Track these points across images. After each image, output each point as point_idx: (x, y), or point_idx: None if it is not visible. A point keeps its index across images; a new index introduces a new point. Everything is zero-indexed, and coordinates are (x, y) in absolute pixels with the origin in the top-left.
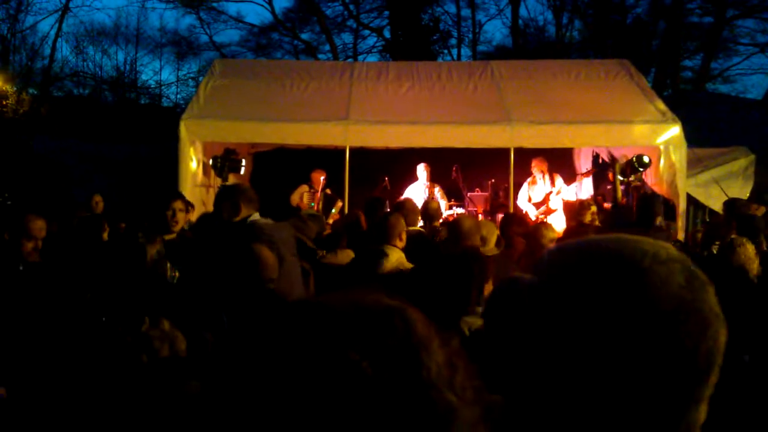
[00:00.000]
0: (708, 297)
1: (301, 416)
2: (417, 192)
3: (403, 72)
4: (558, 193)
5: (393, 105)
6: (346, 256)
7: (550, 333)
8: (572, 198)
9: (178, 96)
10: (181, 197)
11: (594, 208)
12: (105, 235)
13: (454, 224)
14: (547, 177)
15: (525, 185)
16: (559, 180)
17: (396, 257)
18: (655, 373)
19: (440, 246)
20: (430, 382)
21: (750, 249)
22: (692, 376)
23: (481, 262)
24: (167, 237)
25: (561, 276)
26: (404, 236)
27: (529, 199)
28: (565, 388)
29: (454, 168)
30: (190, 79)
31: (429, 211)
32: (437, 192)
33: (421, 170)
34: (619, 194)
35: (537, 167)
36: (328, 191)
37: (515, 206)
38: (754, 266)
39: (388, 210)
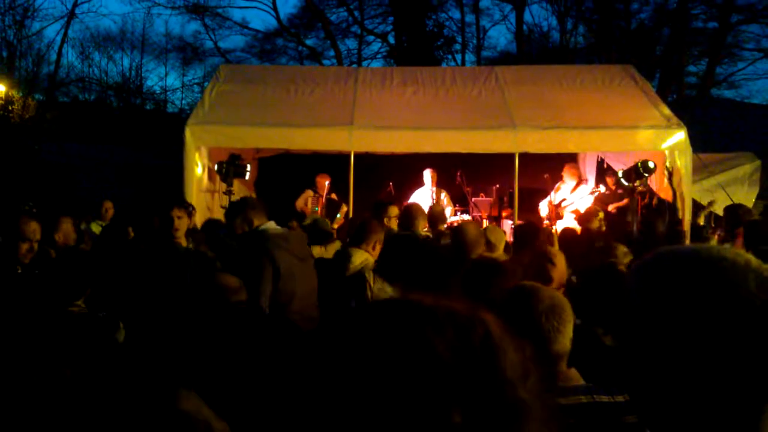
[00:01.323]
0: None
1: (390, 398)
2: (423, 197)
3: (407, 77)
4: (565, 203)
5: (397, 110)
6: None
7: (647, 323)
8: (584, 206)
9: (183, 101)
10: (180, 204)
11: (601, 215)
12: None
13: (458, 232)
14: (573, 183)
15: (553, 191)
16: (582, 188)
17: (360, 260)
18: (730, 365)
19: (443, 250)
20: (506, 379)
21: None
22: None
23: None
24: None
25: (654, 276)
26: (378, 246)
27: (550, 204)
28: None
29: (458, 173)
30: (195, 85)
31: (434, 214)
32: (443, 197)
33: (427, 175)
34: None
35: (568, 173)
36: (333, 196)
37: (543, 211)
38: None
39: (395, 214)
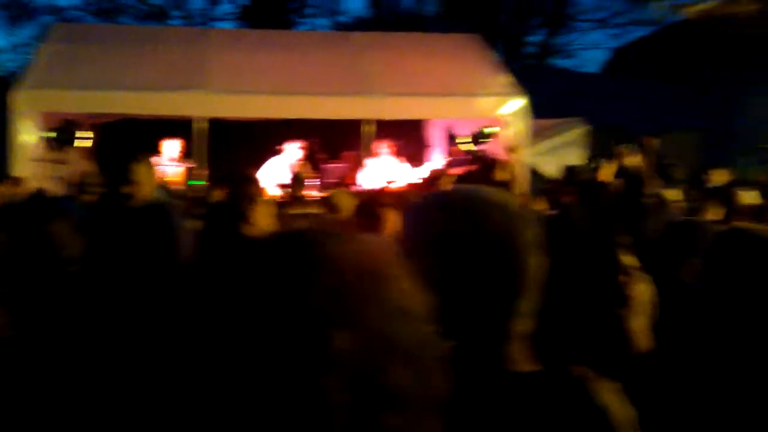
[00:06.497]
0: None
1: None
2: (278, 165)
3: (260, 40)
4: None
5: (250, 74)
6: None
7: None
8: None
9: (12, 64)
10: None
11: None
12: None
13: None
14: (392, 158)
15: (369, 164)
16: (406, 164)
17: None
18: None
19: None
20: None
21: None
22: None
23: None
24: None
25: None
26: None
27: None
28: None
29: (312, 141)
30: (25, 46)
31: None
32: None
33: (288, 145)
34: None
35: (388, 148)
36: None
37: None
38: None
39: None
